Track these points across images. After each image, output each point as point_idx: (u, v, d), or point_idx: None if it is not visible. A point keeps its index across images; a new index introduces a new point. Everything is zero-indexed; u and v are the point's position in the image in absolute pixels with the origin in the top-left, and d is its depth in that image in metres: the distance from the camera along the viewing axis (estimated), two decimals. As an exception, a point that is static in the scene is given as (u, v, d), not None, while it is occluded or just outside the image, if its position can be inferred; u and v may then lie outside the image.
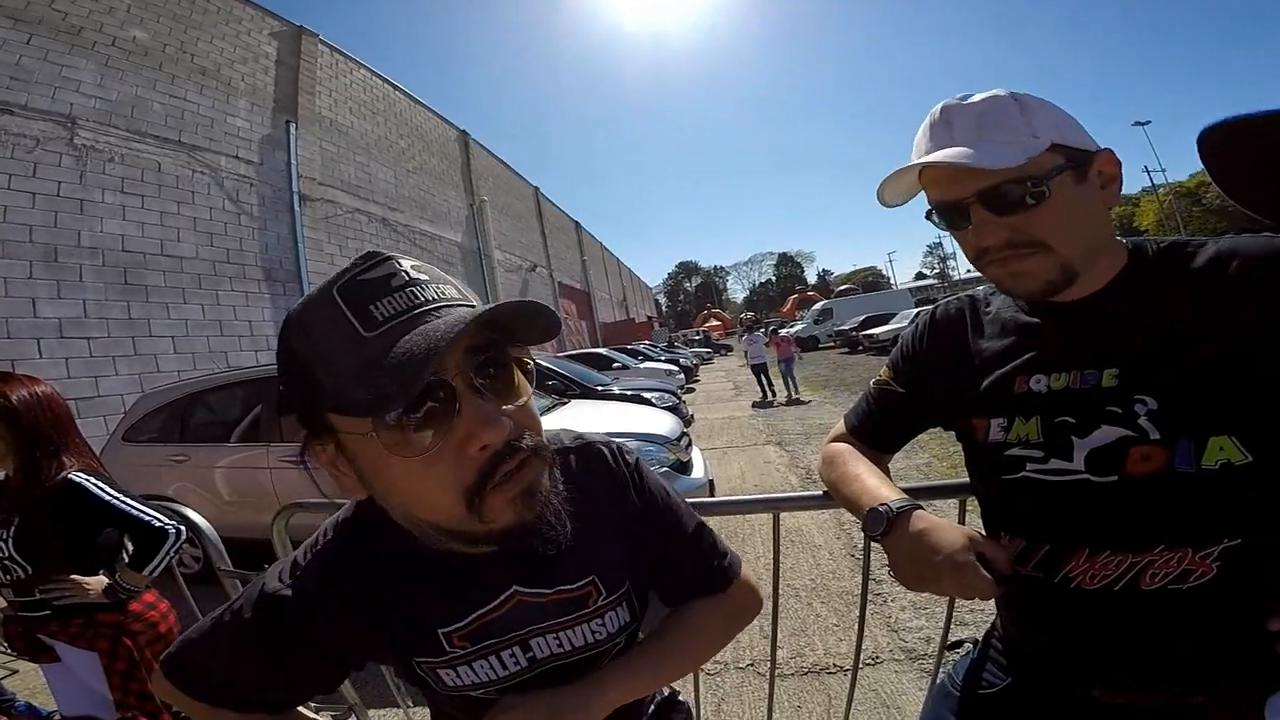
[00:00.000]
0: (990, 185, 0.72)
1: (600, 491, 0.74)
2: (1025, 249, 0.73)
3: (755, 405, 11.77)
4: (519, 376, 0.59)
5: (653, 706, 0.89)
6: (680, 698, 0.95)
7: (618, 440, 0.81)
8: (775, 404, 11.48)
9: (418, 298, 0.53)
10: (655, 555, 0.79)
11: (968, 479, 0.98)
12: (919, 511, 0.81)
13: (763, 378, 12.75)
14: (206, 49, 9.16)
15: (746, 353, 14.22)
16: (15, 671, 3.06)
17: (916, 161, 0.77)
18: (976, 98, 0.75)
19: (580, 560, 0.70)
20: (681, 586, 0.82)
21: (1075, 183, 0.72)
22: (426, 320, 0.52)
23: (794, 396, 11.69)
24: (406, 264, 0.55)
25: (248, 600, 0.67)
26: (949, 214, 0.78)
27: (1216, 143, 0.45)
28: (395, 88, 14.37)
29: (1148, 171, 40.72)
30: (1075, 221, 0.73)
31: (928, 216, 0.82)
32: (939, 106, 0.77)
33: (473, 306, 0.56)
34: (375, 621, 0.66)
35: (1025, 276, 0.75)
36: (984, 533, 0.87)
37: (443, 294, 0.55)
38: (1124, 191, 0.78)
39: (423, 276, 0.55)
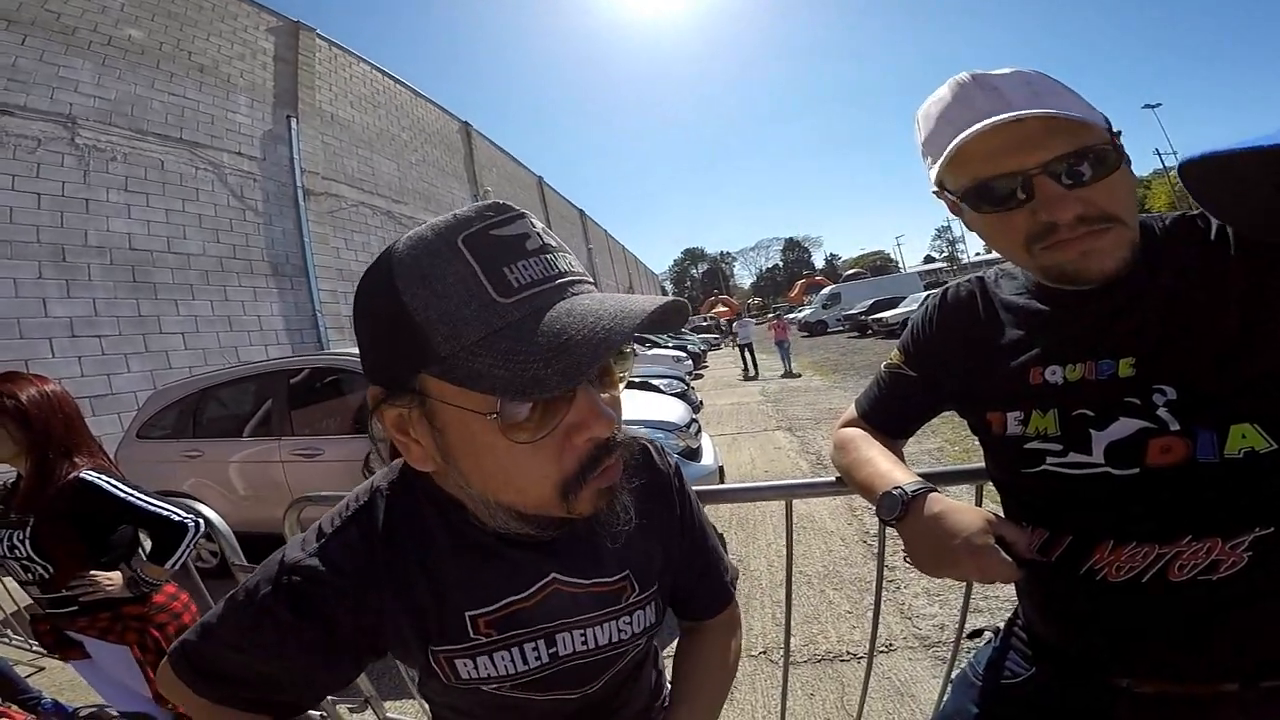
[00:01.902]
0: (1064, 153, 0.65)
1: (643, 489, 0.70)
2: (1099, 224, 0.67)
3: (744, 379, 14.12)
4: (617, 367, 0.56)
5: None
6: None
7: (659, 440, 0.80)
8: (760, 378, 13.78)
9: (554, 267, 0.49)
10: (680, 563, 0.79)
11: (982, 464, 0.96)
12: (934, 494, 0.79)
13: (748, 355, 14.99)
14: (203, 46, 9.12)
15: (737, 334, 16.71)
16: (42, 669, 3.11)
17: (1016, 114, 0.63)
18: (1007, 70, 0.69)
19: (619, 553, 0.68)
20: (696, 600, 0.84)
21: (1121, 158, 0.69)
22: (566, 296, 0.48)
23: (789, 371, 13.63)
24: (539, 225, 0.51)
25: (265, 575, 0.59)
26: (996, 192, 0.69)
27: (1194, 173, 0.47)
28: (396, 81, 14.29)
29: (1159, 154, 40.01)
30: (1132, 196, 0.70)
31: (962, 198, 0.73)
32: (965, 77, 0.70)
33: (593, 283, 0.53)
34: (403, 598, 0.60)
35: (1099, 255, 0.67)
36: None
37: (572, 267, 0.51)
38: (1135, 174, 0.75)
39: (553, 242, 0.51)
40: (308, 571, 0.58)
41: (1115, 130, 0.70)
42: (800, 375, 13.16)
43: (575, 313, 0.46)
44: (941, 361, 0.91)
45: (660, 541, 0.74)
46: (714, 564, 0.84)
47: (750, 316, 20.09)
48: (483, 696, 0.66)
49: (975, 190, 0.71)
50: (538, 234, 0.50)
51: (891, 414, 1.02)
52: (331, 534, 0.60)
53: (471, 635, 0.62)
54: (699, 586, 0.83)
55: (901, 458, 0.97)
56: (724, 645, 0.86)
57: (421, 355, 0.47)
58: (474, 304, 0.46)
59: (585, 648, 0.67)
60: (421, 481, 0.61)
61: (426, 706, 0.80)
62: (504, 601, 0.62)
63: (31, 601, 1.85)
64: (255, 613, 0.59)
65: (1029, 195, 0.67)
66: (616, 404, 0.55)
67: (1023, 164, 0.66)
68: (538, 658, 0.64)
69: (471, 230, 0.48)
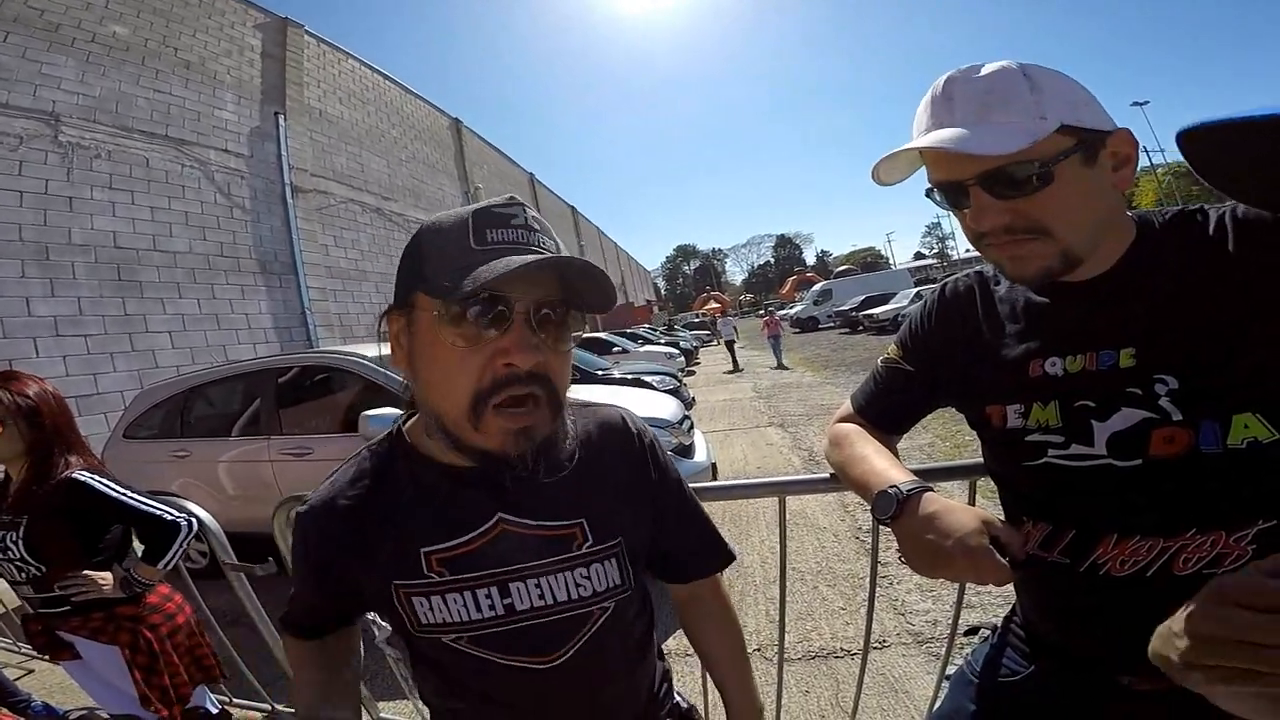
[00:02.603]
0: (990, 169, 0.68)
1: (606, 449, 0.78)
2: (1025, 234, 0.70)
3: (726, 373, 15.28)
4: (567, 332, 0.68)
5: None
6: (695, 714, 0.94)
7: (632, 410, 0.86)
8: (742, 371, 15.13)
9: (524, 238, 0.64)
10: (661, 528, 0.83)
11: (974, 460, 0.96)
12: (929, 494, 0.79)
13: (731, 351, 16.88)
14: (189, 43, 9.00)
15: (720, 330, 18.86)
16: (31, 671, 3.08)
17: (908, 146, 0.73)
18: (984, 71, 0.70)
19: (572, 503, 0.73)
20: (692, 558, 0.88)
21: (1083, 165, 0.68)
22: (520, 252, 0.63)
23: (779, 364, 14.82)
24: (531, 214, 0.67)
25: None
26: (949, 193, 0.75)
27: (1192, 143, 0.47)
28: (385, 77, 14.17)
29: (1146, 152, 40.61)
30: (1080, 206, 0.69)
31: (928, 194, 0.79)
32: (943, 79, 0.73)
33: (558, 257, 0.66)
34: (363, 530, 0.71)
35: (1023, 262, 0.72)
36: (1004, 518, 0.85)
37: (544, 245, 0.66)
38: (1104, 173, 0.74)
39: (537, 227, 0.66)
40: (304, 514, 0.75)
41: (1102, 130, 0.69)
42: (791, 368, 14.09)
43: (504, 260, 0.61)
44: (940, 356, 0.91)
45: (625, 501, 0.78)
46: (702, 522, 0.89)
47: (731, 315, 22.89)
48: (448, 655, 0.70)
49: (935, 190, 0.77)
50: (526, 217, 0.66)
51: (888, 409, 1.01)
52: (326, 480, 0.76)
53: (425, 572, 0.69)
54: (690, 544, 0.88)
55: (896, 454, 0.97)
56: (729, 604, 0.92)
57: (418, 276, 0.65)
58: (456, 246, 0.63)
59: (542, 603, 0.70)
60: (400, 439, 0.75)
61: (420, 709, 0.82)
62: (455, 541, 0.69)
63: (20, 604, 1.83)
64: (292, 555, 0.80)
65: (967, 201, 0.72)
66: (560, 359, 0.67)
67: (960, 174, 0.71)
68: (491, 607, 0.69)
69: (481, 207, 0.65)
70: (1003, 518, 0.85)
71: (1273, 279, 0.64)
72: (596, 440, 0.77)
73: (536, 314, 0.64)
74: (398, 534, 0.70)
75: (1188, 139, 0.47)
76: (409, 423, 0.76)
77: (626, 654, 0.78)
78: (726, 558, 0.90)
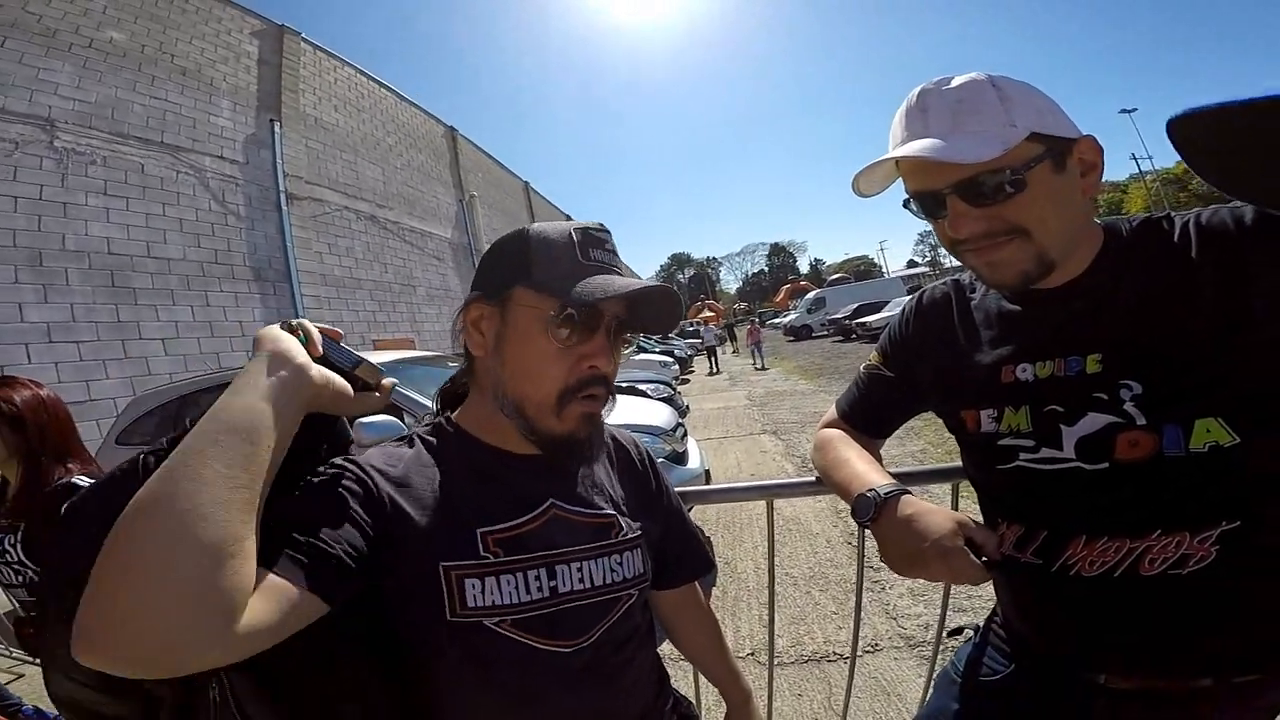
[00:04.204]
0: (966, 177, 0.70)
1: (623, 460, 0.92)
2: (1003, 236, 0.72)
3: (707, 375, 17.56)
4: (622, 342, 0.80)
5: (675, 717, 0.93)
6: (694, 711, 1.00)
7: (645, 443, 0.98)
8: (721, 374, 17.43)
9: (614, 259, 0.77)
10: (663, 528, 0.92)
11: (957, 464, 0.98)
12: (906, 496, 0.82)
13: (712, 356, 19.45)
14: (186, 49, 9.01)
15: (702, 336, 21.41)
16: (21, 675, 3.06)
17: (888, 156, 0.75)
18: (954, 82, 0.72)
19: (606, 496, 0.83)
20: (683, 561, 0.97)
21: (1053, 172, 0.70)
22: (613, 273, 0.75)
23: (760, 366, 17.10)
24: (613, 240, 0.79)
25: None
26: (926, 203, 0.77)
27: (1184, 132, 0.45)
28: (381, 85, 14.19)
29: (1135, 159, 40.91)
30: (1053, 211, 0.71)
31: (905, 205, 0.80)
32: (916, 91, 0.75)
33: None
34: (415, 504, 0.69)
35: (1002, 266, 0.74)
36: (982, 519, 0.87)
37: (622, 268, 0.78)
38: (1112, 179, 0.76)
39: (616, 250, 0.79)
40: (345, 467, 0.69)
41: (1068, 137, 0.71)
42: (768, 369, 16.30)
43: (614, 279, 0.73)
44: (918, 362, 0.94)
45: (641, 501, 0.89)
46: (691, 531, 1.00)
47: (713, 325, 26.45)
48: (488, 646, 0.68)
49: (912, 200, 0.78)
50: (612, 243, 0.79)
51: (870, 414, 1.04)
52: (373, 451, 0.75)
53: (481, 553, 0.70)
54: (684, 549, 0.97)
55: (879, 457, 0.99)
56: (710, 610, 1.04)
57: (525, 273, 0.73)
58: (567, 258, 0.73)
59: (582, 586, 0.74)
60: (450, 427, 0.80)
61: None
62: (512, 522, 0.73)
63: (10, 608, 1.83)
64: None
65: (945, 209, 0.74)
66: (616, 367, 0.78)
67: (935, 184, 0.73)
68: (540, 589, 0.71)
69: (582, 229, 0.76)
70: (982, 520, 0.87)
71: (1234, 285, 0.66)
72: (615, 452, 0.91)
73: (616, 330, 0.76)
74: (452, 515, 0.70)
75: (1178, 128, 0.44)
76: (456, 412, 0.83)
77: (638, 643, 0.82)
78: (707, 564, 1.01)
